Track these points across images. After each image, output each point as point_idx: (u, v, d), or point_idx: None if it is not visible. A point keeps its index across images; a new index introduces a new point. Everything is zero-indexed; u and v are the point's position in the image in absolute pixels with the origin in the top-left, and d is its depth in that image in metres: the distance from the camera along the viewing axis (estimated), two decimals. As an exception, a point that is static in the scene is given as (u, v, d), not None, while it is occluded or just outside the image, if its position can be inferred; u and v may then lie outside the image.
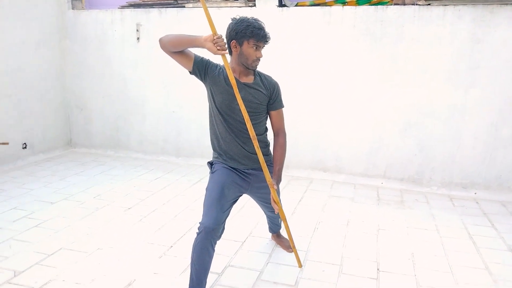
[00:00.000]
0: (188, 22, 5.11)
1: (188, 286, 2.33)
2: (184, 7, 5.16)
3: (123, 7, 5.51)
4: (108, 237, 3.21)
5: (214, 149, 2.55)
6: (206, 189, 2.41)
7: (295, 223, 3.54)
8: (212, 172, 2.49)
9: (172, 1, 5.26)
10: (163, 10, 5.23)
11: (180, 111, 5.42)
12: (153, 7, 5.31)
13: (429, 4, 4.26)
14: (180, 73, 5.19)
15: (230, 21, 2.32)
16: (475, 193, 4.39)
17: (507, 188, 4.33)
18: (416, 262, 2.92)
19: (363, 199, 4.21)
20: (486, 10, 4.10)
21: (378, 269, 2.81)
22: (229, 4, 4.94)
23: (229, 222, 3.52)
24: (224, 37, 2.25)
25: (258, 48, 2.27)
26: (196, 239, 2.24)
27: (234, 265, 2.83)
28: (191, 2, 5.13)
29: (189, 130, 5.44)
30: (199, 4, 5.06)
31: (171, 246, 3.07)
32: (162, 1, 5.31)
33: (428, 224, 3.61)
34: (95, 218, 3.56)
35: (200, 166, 5.28)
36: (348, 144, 4.78)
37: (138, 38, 5.39)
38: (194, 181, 4.67)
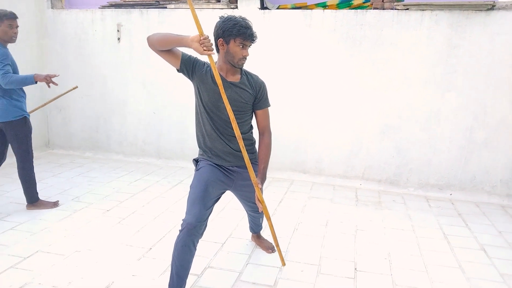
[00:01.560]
0: (170, 23, 5.10)
1: (167, 285, 2.33)
2: (165, 8, 5.15)
3: (103, 7, 5.46)
4: (86, 239, 3.17)
5: (199, 146, 2.56)
6: (190, 186, 2.43)
7: (275, 224, 3.55)
8: (197, 170, 2.51)
9: (153, 2, 5.24)
10: (144, 10, 5.20)
11: (161, 112, 5.39)
12: (135, 8, 5.27)
13: (407, 9, 4.36)
14: (162, 74, 5.20)
15: (218, 20, 2.33)
16: (451, 194, 4.50)
17: (481, 190, 4.46)
18: (392, 262, 2.99)
19: (342, 200, 4.27)
20: (462, 16, 4.21)
21: (355, 269, 2.86)
22: (211, 6, 4.95)
23: (210, 224, 3.51)
24: (211, 37, 2.26)
25: (245, 46, 2.29)
26: (178, 236, 2.26)
27: (213, 267, 2.83)
28: (173, 3, 5.12)
29: (170, 131, 5.42)
30: (181, 5, 5.06)
31: (150, 248, 3.06)
32: (144, 2, 5.29)
33: (404, 225, 3.69)
34: (73, 220, 3.51)
35: (181, 168, 5.26)
36: (328, 147, 4.84)
37: (119, 39, 5.34)
38: (174, 183, 4.65)
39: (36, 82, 3.41)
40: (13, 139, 3.53)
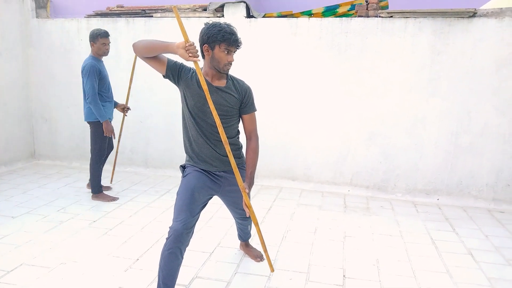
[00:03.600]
0: (156, 32, 5.09)
1: None
2: (152, 17, 5.15)
3: (89, 16, 5.43)
4: (71, 251, 3.12)
5: (186, 152, 2.55)
6: (177, 193, 2.41)
7: (264, 232, 3.53)
8: (183, 176, 2.50)
9: (139, 11, 5.23)
10: (130, 19, 5.19)
11: (148, 121, 5.37)
12: (121, 17, 5.26)
13: (391, 17, 4.42)
14: (148, 82, 5.18)
15: (203, 26, 2.34)
16: (438, 199, 4.54)
17: (467, 194, 4.50)
18: (380, 268, 2.99)
19: (331, 207, 4.28)
20: (445, 23, 4.28)
21: (344, 276, 2.86)
22: (197, 14, 4.96)
23: (198, 233, 3.51)
24: (197, 43, 2.27)
25: (230, 52, 2.31)
26: (165, 244, 2.25)
27: (201, 277, 2.81)
28: (159, 12, 5.12)
29: (157, 140, 5.39)
30: (167, 14, 5.06)
31: (137, 259, 3.02)
32: (130, 11, 5.28)
33: (392, 230, 3.70)
34: (59, 232, 3.46)
35: (169, 177, 5.23)
36: (316, 154, 4.86)
37: (105, 48, 5.31)
38: (162, 192, 4.62)
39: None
40: (91, 137, 4.20)
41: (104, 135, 4.10)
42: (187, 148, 2.53)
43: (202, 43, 2.33)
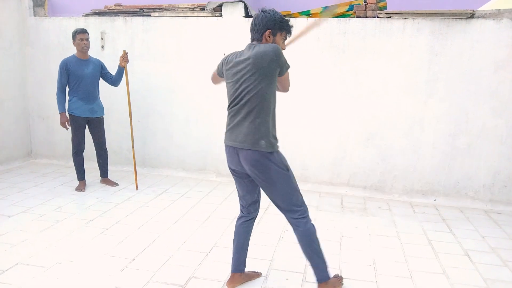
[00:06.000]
0: (154, 31, 5.08)
1: (318, 264, 2.52)
2: (150, 15, 5.13)
3: (87, 14, 5.42)
4: (68, 250, 3.11)
5: (274, 136, 2.48)
6: (292, 178, 2.46)
7: (261, 232, 3.55)
8: (282, 157, 2.50)
9: (137, 10, 5.22)
10: (128, 18, 5.18)
11: (145, 120, 5.35)
12: (118, 15, 5.24)
13: (389, 17, 4.42)
14: (145, 82, 5.17)
15: (260, 13, 2.39)
16: (435, 200, 4.54)
17: (464, 195, 4.51)
18: (377, 269, 2.99)
19: (328, 207, 4.28)
20: (443, 24, 4.29)
21: (338, 274, 2.85)
22: (195, 14, 4.95)
23: (194, 233, 3.51)
24: (252, 26, 2.39)
25: (284, 40, 2.46)
26: (308, 222, 2.48)
27: (198, 277, 2.80)
28: (157, 11, 5.11)
29: (155, 139, 5.38)
30: (165, 13, 5.04)
31: (134, 259, 3.01)
32: (128, 9, 5.26)
33: (389, 231, 3.70)
34: (55, 231, 3.45)
35: (166, 176, 5.22)
36: (314, 154, 4.85)
37: (102, 46, 5.30)
38: (159, 191, 4.61)
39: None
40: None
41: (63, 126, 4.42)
42: (274, 131, 2.50)
43: (265, 28, 2.36)
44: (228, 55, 2.46)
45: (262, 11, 2.40)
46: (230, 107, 2.43)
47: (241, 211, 2.67)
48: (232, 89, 2.39)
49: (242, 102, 2.34)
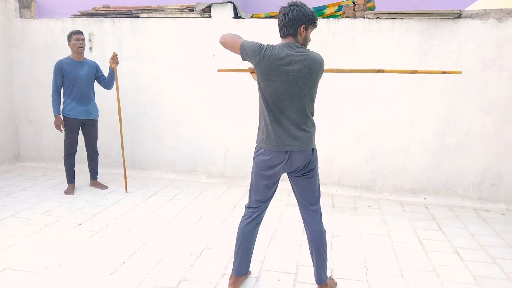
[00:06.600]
0: (143, 32, 5.04)
1: (323, 265, 2.61)
2: (138, 17, 5.10)
3: (75, 16, 5.36)
4: (56, 254, 3.07)
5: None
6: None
7: (252, 233, 3.53)
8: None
9: (126, 11, 5.18)
10: (116, 19, 5.14)
11: (135, 122, 5.31)
12: (106, 17, 5.20)
13: (378, 18, 4.44)
14: (134, 83, 5.13)
15: (287, 7, 2.36)
16: (425, 199, 4.58)
17: (454, 193, 4.55)
18: (368, 268, 3.00)
19: (319, 207, 4.28)
20: (431, 24, 4.32)
21: (332, 276, 2.85)
22: (184, 15, 4.92)
23: (185, 235, 3.48)
24: (286, 20, 2.34)
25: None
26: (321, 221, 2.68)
27: (189, 279, 2.78)
28: (145, 12, 5.08)
29: (144, 141, 5.34)
30: (154, 14, 5.01)
31: (124, 262, 2.98)
32: (116, 11, 5.22)
33: (380, 230, 3.72)
34: (43, 235, 3.40)
35: (156, 178, 5.18)
36: (304, 154, 4.85)
37: (90, 48, 5.25)
38: (149, 194, 4.58)
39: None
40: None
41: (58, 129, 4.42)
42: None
43: (300, 23, 2.35)
44: (267, 46, 2.38)
45: (293, 5, 2.38)
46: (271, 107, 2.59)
47: (249, 209, 2.69)
48: (281, 88, 2.44)
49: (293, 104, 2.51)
